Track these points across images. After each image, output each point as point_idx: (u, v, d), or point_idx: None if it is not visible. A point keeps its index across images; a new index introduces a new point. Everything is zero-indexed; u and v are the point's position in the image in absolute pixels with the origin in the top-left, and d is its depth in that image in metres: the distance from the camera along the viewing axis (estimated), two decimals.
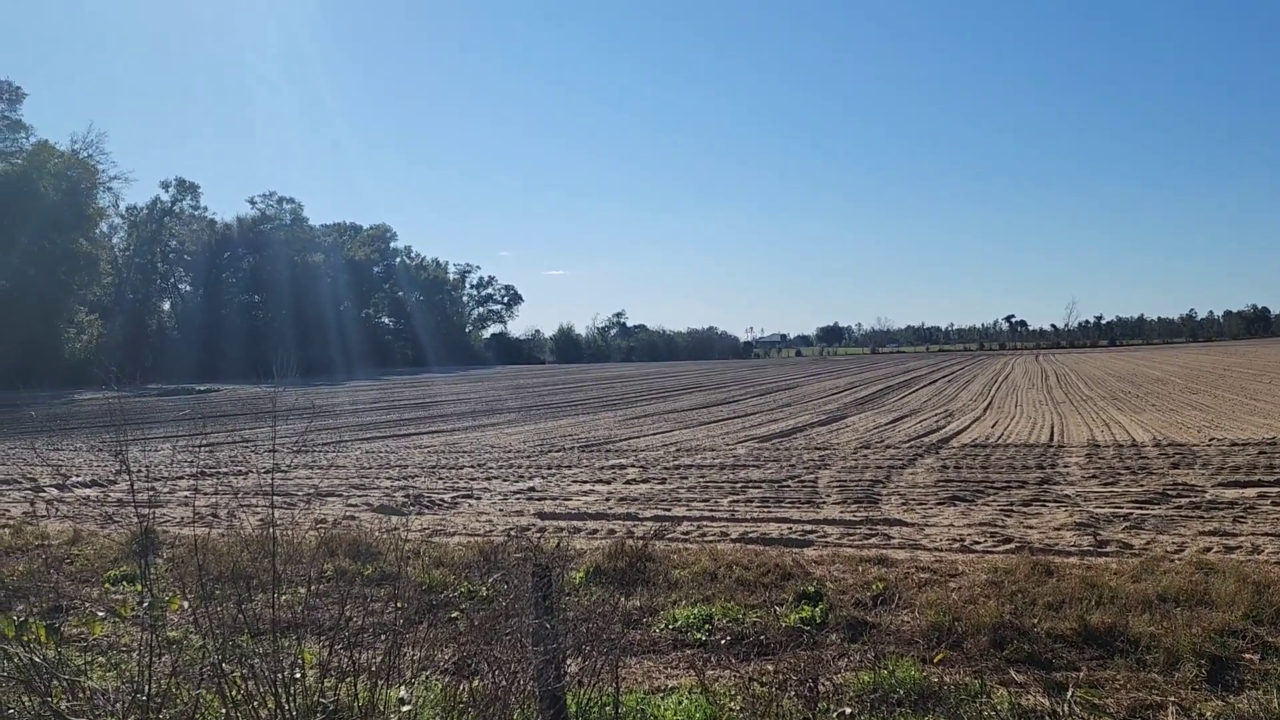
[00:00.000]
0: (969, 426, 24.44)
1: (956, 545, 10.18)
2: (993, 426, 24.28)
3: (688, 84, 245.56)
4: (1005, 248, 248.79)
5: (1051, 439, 20.81)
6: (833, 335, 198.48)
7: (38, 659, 3.61)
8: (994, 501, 12.96)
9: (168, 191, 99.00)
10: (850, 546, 10.20)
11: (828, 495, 13.76)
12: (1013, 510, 12.29)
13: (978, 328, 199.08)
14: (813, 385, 51.08)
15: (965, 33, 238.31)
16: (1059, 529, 10.96)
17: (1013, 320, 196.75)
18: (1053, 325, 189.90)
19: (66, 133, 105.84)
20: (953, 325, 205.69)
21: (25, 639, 3.60)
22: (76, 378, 67.36)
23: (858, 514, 12.16)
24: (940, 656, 6.40)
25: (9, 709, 3.75)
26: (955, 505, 12.70)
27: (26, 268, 65.97)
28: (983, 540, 10.42)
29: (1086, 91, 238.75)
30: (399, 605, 7.01)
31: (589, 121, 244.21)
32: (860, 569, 8.74)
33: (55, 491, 16.38)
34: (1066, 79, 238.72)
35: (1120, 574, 8.17)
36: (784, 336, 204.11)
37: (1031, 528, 11.09)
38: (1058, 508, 12.35)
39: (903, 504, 12.88)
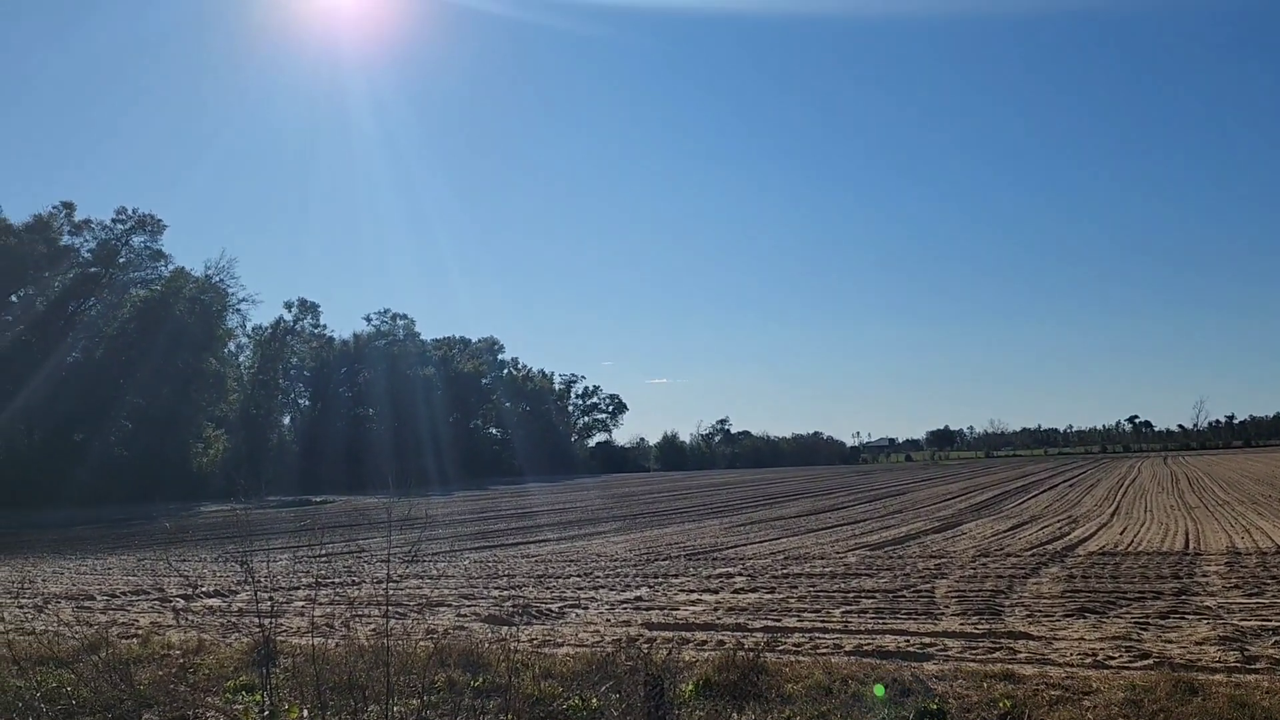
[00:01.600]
0: (1095, 533, 23.29)
1: (1088, 660, 9.60)
2: (1121, 533, 23.08)
3: (785, 194, 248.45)
4: (1126, 345, 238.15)
5: (1187, 546, 19.65)
6: (944, 439, 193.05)
7: None
8: (1127, 614, 12.22)
9: (290, 311, 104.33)
10: (973, 661, 9.72)
11: (946, 606, 13.21)
12: (1149, 623, 11.56)
13: (1099, 429, 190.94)
14: (924, 491, 49.59)
15: (1075, 127, 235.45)
16: (1201, 643, 10.25)
17: (1136, 421, 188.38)
18: (1180, 425, 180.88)
19: (196, 254, 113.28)
20: (1071, 427, 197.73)
21: None
22: (202, 490, 70.32)
23: (979, 626, 11.61)
24: None
25: None
26: (1085, 618, 12.02)
27: (161, 386, 69.93)
28: (1117, 655, 9.80)
29: (1203, 183, 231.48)
30: (510, 718, 6.97)
31: (687, 232, 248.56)
32: (985, 685, 8.30)
33: (181, 601, 16.93)
34: (1184, 172, 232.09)
35: (1273, 693, 7.57)
36: (892, 441, 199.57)
37: (1170, 642, 10.40)
38: (1199, 620, 11.57)
39: (1027, 616, 12.26)
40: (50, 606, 16.77)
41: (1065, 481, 53.69)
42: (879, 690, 8.18)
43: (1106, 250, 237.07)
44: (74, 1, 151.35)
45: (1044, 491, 44.47)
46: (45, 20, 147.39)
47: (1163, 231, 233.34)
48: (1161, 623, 11.56)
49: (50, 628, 13.91)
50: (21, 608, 16.78)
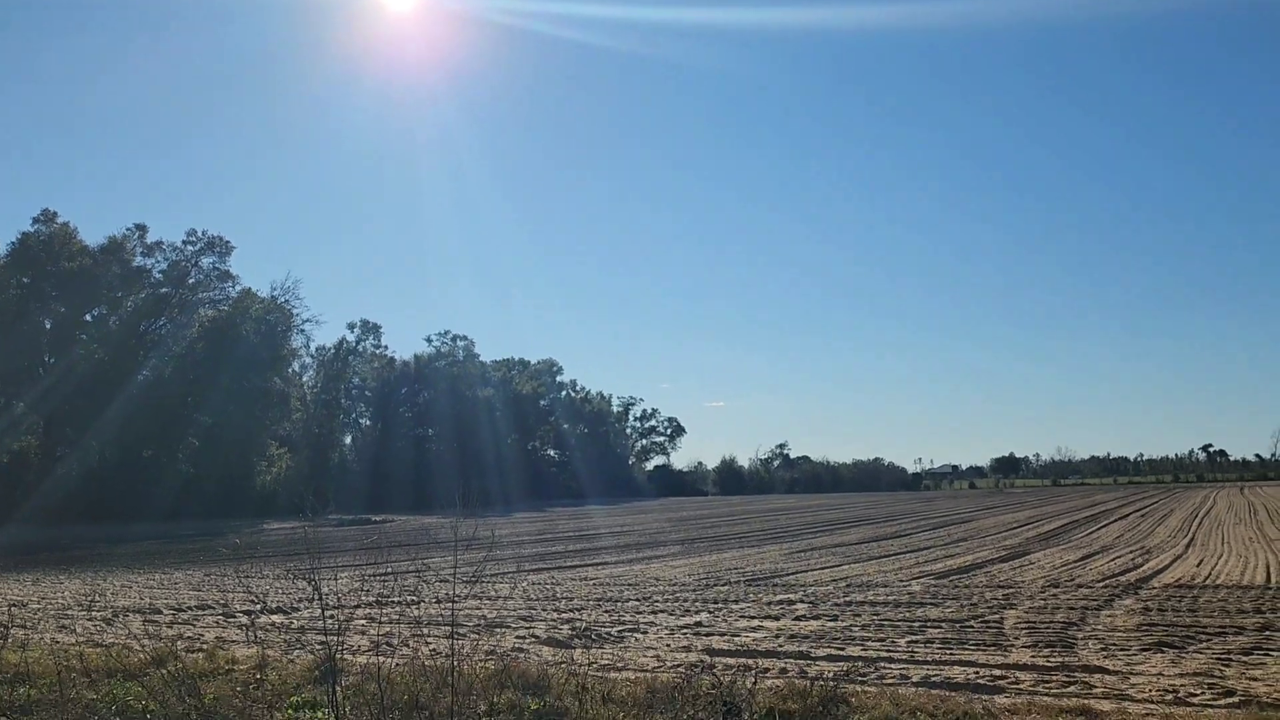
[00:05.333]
0: (1170, 565, 22.52)
1: (1169, 697, 9.21)
2: (1198, 565, 22.29)
3: (844, 217, 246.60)
4: (1201, 370, 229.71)
5: (1269, 580, 18.90)
6: (1009, 466, 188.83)
7: None
8: (1208, 649, 11.74)
9: (353, 332, 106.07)
10: (1046, 695, 9.39)
11: (1015, 637, 12.83)
12: (1231, 659, 11.09)
13: (1171, 458, 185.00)
14: (990, 519, 48.52)
15: (1158, 143, 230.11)
16: None
17: (1210, 450, 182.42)
18: (1257, 455, 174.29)
19: (262, 275, 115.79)
20: (1142, 455, 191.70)
21: None
22: (266, 508, 71.59)
23: (1051, 659, 11.24)
24: None
25: None
26: (1163, 652, 11.57)
27: (228, 405, 71.45)
28: (1199, 692, 9.40)
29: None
30: None
31: (746, 254, 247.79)
32: None
33: (244, 618, 17.16)
34: (1259, 192, 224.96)
35: None
36: (955, 467, 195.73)
37: (1256, 679, 9.95)
38: None
39: (1102, 649, 11.84)
40: (119, 619, 17.11)
41: (1137, 511, 52.16)
42: None
43: (1180, 272, 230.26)
44: (145, 27, 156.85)
45: (1115, 521, 43.22)
46: (117, 45, 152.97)
47: (1239, 252, 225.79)
48: (1245, 659, 11.09)
49: (119, 640, 14.16)
50: (92, 620, 17.16)
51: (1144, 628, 13.33)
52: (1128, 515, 48.13)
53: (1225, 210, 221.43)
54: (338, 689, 8.67)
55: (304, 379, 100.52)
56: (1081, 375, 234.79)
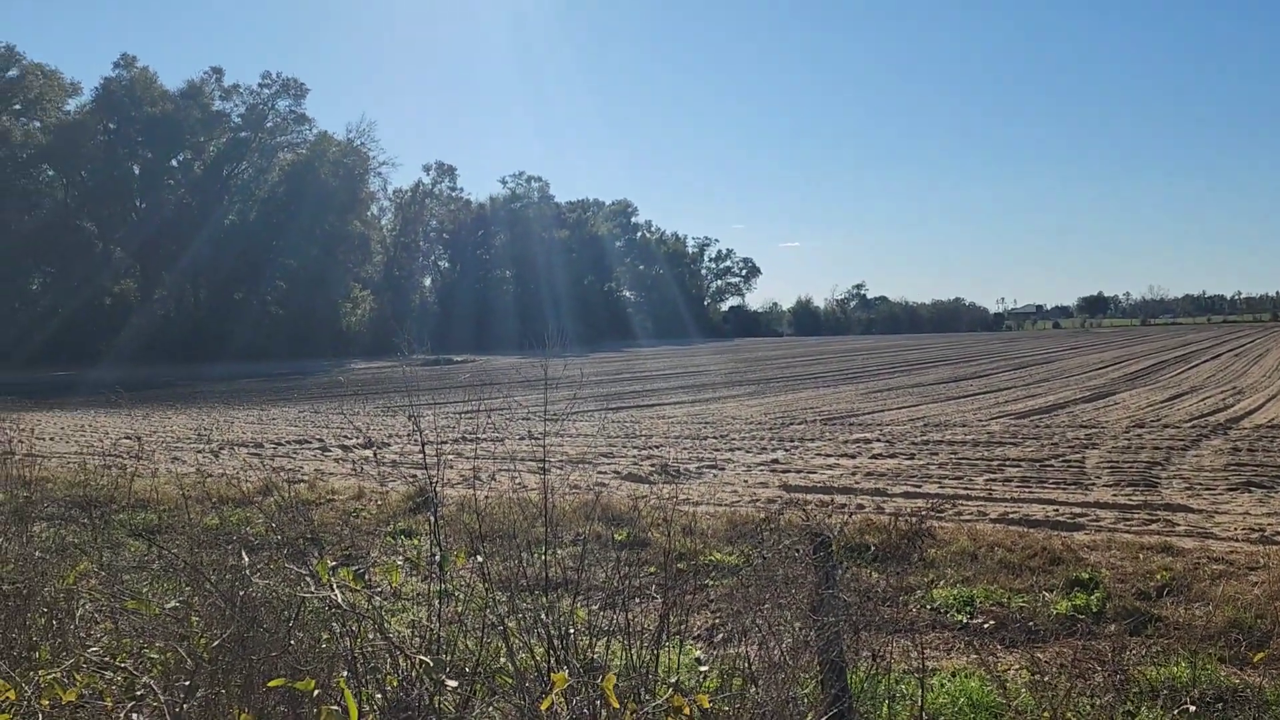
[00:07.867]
0: (1263, 406, 21.98)
1: (1255, 536, 9.17)
2: None
3: (921, 44, 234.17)
4: None
5: None
6: (1096, 305, 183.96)
7: (347, 601, 3.95)
8: None
9: (429, 174, 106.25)
10: (1127, 532, 9.42)
11: (1097, 477, 12.80)
12: None
13: (1270, 296, 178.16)
14: (1074, 359, 47.75)
15: None
16: None
17: None
18: None
19: (336, 121, 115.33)
20: (1239, 294, 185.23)
21: (337, 582, 3.93)
22: (351, 348, 74.00)
23: (1133, 498, 11.23)
24: (1260, 657, 5.75)
25: (321, 644, 4.11)
26: (1250, 492, 11.45)
27: (310, 248, 73.02)
28: None
29: None
30: (656, 570, 7.17)
31: (821, 91, 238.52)
32: (1141, 557, 8.05)
33: (339, 451, 18.02)
34: None
35: None
36: (1039, 307, 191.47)
37: None
38: None
39: (1186, 488, 11.77)
40: (225, 452, 18.13)
41: (1230, 351, 50.71)
42: None
43: (1273, 105, 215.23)
44: None
45: (1206, 361, 42.15)
46: None
47: None
48: None
49: (228, 471, 15.05)
50: (199, 453, 18.22)
51: (1231, 468, 13.16)
52: (1220, 355, 46.87)
53: None
54: (430, 518, 9.13)
55: (383, 222, 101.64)
56: (1176, 209, 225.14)
